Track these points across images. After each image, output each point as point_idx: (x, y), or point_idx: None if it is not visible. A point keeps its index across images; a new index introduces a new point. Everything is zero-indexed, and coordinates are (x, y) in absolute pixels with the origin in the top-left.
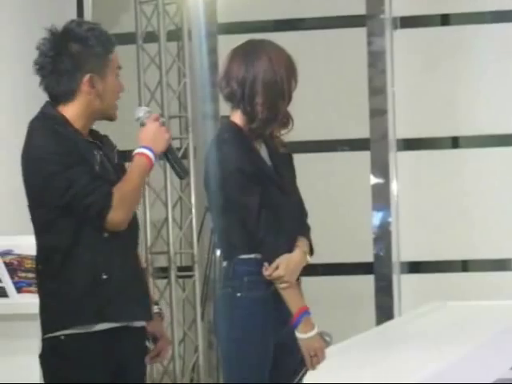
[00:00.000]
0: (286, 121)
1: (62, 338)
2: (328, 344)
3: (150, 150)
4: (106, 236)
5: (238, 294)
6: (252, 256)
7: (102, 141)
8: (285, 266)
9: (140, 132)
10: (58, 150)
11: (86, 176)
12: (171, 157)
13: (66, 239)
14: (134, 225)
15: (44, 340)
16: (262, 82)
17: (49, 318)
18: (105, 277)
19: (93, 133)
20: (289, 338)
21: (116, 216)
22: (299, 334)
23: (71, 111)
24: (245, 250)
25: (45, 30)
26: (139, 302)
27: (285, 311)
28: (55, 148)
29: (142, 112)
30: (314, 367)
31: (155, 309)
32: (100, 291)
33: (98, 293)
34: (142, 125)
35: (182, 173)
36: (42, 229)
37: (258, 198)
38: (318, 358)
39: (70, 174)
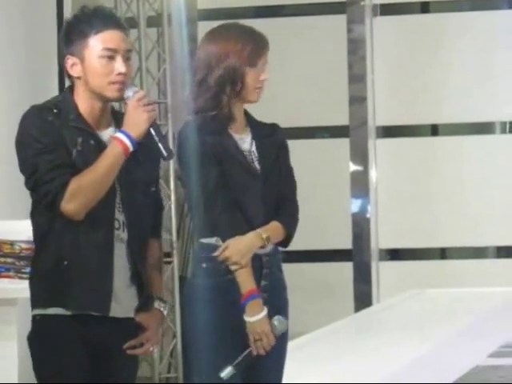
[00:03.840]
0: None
1: (38, 318)
2: (276, 330)
3: (126, 134)
4: (74, 223)
5: (196, 280)
6: (212, 240)
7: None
8: (233, 247)
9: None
10: (34, 135)
11: (48, 164)
12: (155, 134)
13: (44, 223)
14: (110, 212)
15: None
16: None
17: (31, 297)
18: (65, 263)
19: (115, 114)
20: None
21: (68, 207)
22: (246, 317)
23: (75, 95)
24: (202, 233)
25: None
26: (100, 292)
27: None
28: (32, 133)
29: (131, 92)
30: (258, 351)
31: (157, 305)
32: (58, 277)
33: (55, 278)
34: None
35: (167, 153)
36: (31, 212)
37: (215, 179)
38: (262, 342)
39: (35, 161)
